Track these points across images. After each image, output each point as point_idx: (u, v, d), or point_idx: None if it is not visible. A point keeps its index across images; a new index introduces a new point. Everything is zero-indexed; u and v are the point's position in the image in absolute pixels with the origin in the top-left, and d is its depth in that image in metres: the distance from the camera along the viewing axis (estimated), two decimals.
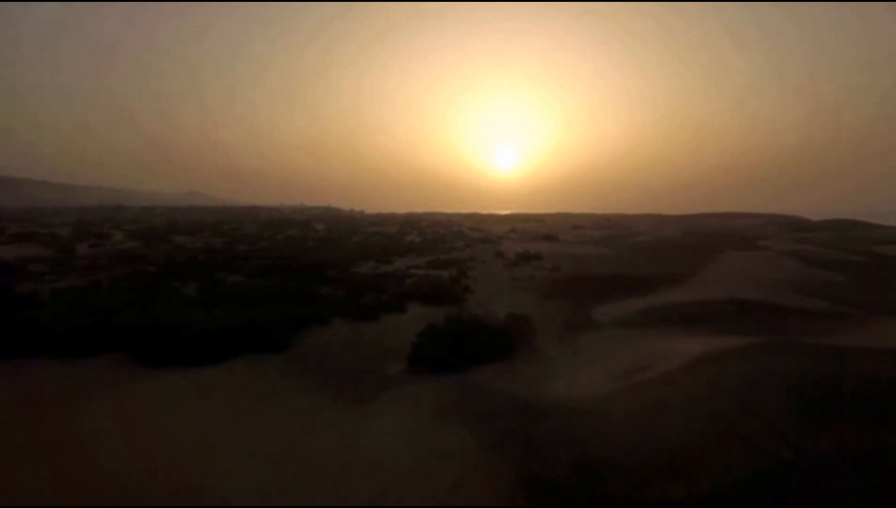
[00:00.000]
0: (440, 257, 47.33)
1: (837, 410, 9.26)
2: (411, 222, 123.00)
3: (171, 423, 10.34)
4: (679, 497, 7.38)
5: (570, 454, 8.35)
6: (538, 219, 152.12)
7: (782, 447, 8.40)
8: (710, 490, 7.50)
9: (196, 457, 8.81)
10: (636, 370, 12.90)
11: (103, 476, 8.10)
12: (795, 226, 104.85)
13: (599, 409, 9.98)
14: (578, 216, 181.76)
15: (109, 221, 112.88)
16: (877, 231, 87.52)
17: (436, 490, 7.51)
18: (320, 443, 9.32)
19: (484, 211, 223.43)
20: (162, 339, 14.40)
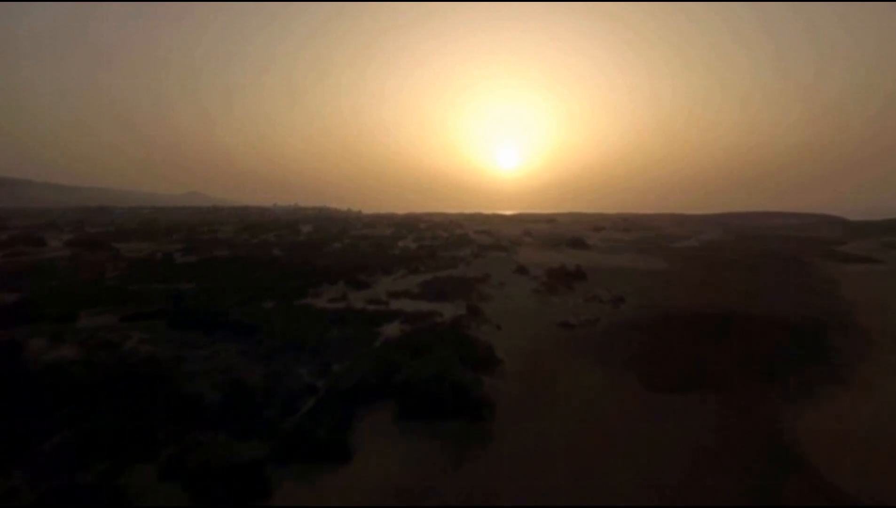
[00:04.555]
0: (440, 273, 34.42)
1: None
2: (409, 223, 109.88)
3: None
4: None
5: None
6: (548, 219, 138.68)
7: None
8: None
9: None
10: None
11: None
12: (848, 227, 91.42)
13: None
14: (591, 216, 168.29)
15: (76, 223, 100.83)
16: None
17: None
18: None
19: (487, 211, 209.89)
20: None
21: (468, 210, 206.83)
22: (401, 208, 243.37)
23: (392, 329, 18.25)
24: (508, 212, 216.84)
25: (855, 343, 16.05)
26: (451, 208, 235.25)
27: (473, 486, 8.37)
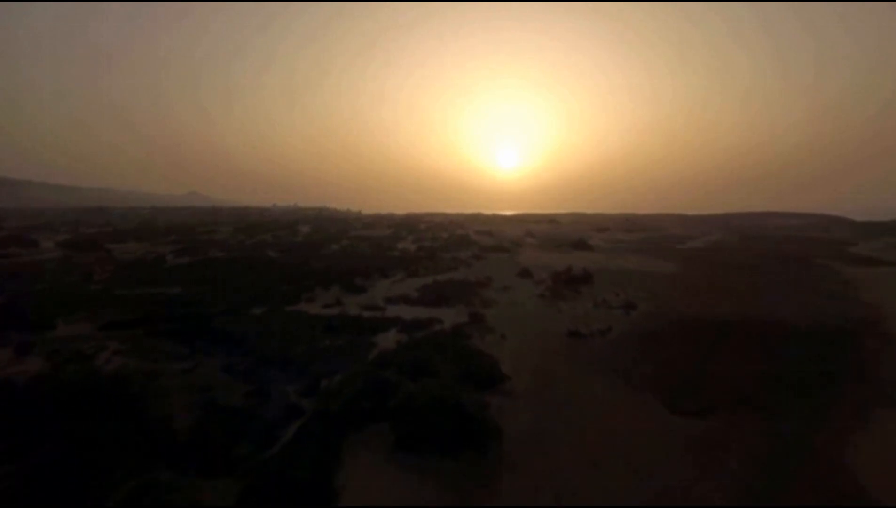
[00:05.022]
0: (440, 276, 33.09)
1: None
2: (409, 223, 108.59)
3: None
4: None
5: None
6: (550, 220, 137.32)
7: None
8: None
9: None
10: None
11: None
12: (856, 228, 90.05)
13: None
14: (592, 216, 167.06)
15: (72, 223, 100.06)
16: None
17: None
18: None
19: (488, 211, 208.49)
20: None
21: (468, 210, 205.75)
22: (401, 208, 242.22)
23: (388, 339, 16.93)
24: (509, 212, 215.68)
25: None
26: (452, 209, 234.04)
27: None
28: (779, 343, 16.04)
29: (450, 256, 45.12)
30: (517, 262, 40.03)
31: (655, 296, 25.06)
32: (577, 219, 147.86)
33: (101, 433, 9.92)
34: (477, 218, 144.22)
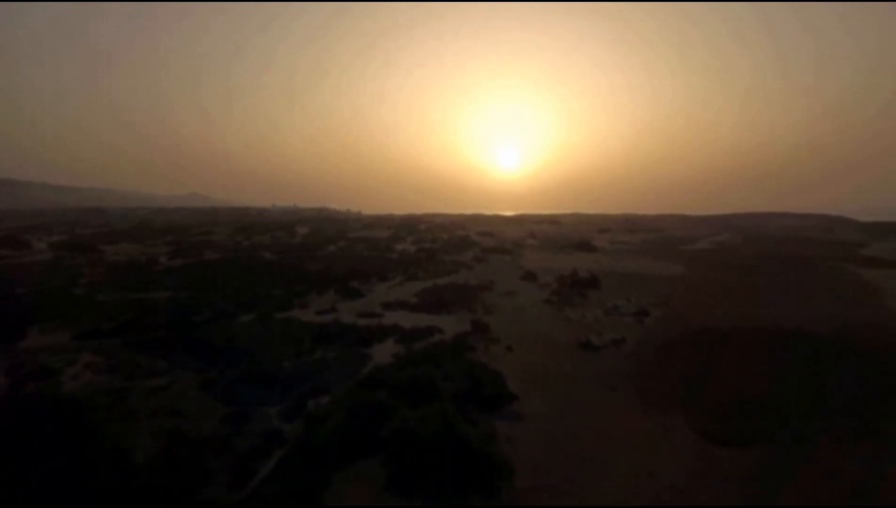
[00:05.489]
0: (441, 279, 31.75)
1: None
2: (409, 224, 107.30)
3: None
4: None
5: None
6: (551, 220, 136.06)
7: None
8: None
9: None
10: None
11: None
12: (862, 228, 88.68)
13: None
14: (593, 217, 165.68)
15: (70, 224, 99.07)
16: None
17: None
18: None
19: (488, 212, 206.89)
20: None
21: (469, 211, 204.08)
22: (401, 208, 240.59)
23: (384, 351, 15.61)
24: (510, 213, 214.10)
25: None
26: (452, 209, 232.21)
27: None
28: (810, 357, 14.71)
29: (450, 258, 43.80)
30: (520, 264, 38.72)
31: (667, 302, 23.75)
32: (579, 219, 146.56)
33: (53, 467, 8.62)
34: (477, 219, 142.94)
